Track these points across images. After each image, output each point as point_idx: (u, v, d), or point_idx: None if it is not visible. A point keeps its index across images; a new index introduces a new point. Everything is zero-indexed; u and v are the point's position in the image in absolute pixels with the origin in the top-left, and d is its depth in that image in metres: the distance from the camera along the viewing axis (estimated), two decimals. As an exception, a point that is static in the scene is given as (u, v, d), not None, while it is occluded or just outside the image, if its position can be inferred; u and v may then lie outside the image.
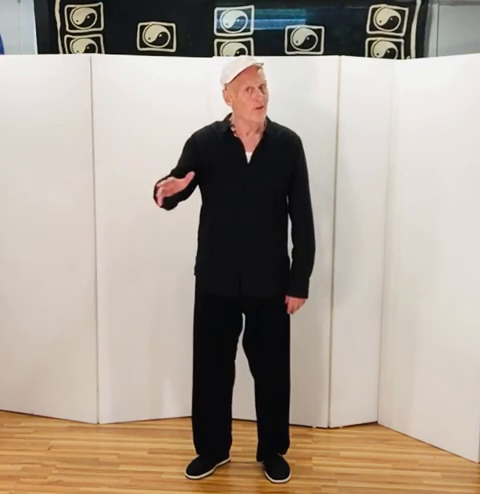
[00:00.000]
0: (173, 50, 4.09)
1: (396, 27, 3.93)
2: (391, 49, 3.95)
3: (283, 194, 2.94)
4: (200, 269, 3.04)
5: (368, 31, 3.95)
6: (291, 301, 3.00)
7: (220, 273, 2.95)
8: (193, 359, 3.10)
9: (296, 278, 3.00)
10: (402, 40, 3.95)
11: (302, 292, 3.01)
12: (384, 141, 3.48)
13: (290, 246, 3.03)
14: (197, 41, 4.07)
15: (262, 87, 2.82)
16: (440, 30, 3.94)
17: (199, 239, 3.04)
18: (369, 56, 3.93)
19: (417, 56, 3.93)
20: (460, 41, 3.88)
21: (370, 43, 3.96)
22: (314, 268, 3.04)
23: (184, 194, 2.78)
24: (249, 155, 2.89)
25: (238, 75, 2.79)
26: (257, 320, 3.03)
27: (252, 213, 2.89)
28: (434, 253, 3.34)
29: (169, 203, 2.75)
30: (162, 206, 2.70)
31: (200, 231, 3.03)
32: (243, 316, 3.08)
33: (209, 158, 2.86)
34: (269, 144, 2.90)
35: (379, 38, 3.95)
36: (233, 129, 2.91)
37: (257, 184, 2.87)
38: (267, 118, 2.94)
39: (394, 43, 3.95)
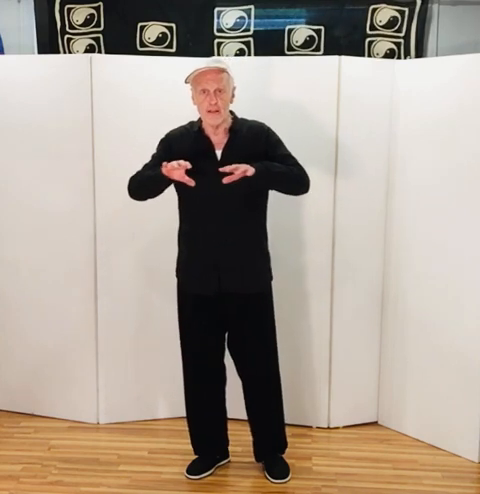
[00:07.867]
0: (173, 50, 4.09)
1: (396, 27, 3.94)
2: (391, 49, 3.95)
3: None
4: (180, 269, 3.03)
5: (368, 31, 3.96)
6: (244, 165, 2.74)
7: (199, 272, 2.93)
8: (182, 360, 3.10)
9: (271, 162, 2.84)
10: (402, 40, 3.95)
11: (260, 167, 2.76)
12: (384, 141, 3.48)
13: (270, 242, 3.00)
14: (197, 41, 4.08)
15: (218, 91, 2.80)
16: (440, 30, 3.95)
17: (178, 240, 3.02)
18: (369, 56, 3.94)
19: (417, 56, 3.93)
20: (460, 41, 3.88)
21: (370, 43, 3.96)
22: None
23: (158, 189, 2.90)
24: (219, 153, 2.89)
25: (196, 76, 2.81)
26: (240, 322, 2.99)
27: (227, 210, 2.86)
28: (434, 253, 3.34)
29: (147, 189, 2.90)
30: (137, 191, 2.92)
31: (179, 232, 3.02)
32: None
33: (181, 157, 2.80)
34: (237, 140, 2.89)
35: (379, 38, 3.95)
36: (203, 128, 2.92)
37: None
38: (233, 114, 2.94)
39: (394, 43, 3.95)
